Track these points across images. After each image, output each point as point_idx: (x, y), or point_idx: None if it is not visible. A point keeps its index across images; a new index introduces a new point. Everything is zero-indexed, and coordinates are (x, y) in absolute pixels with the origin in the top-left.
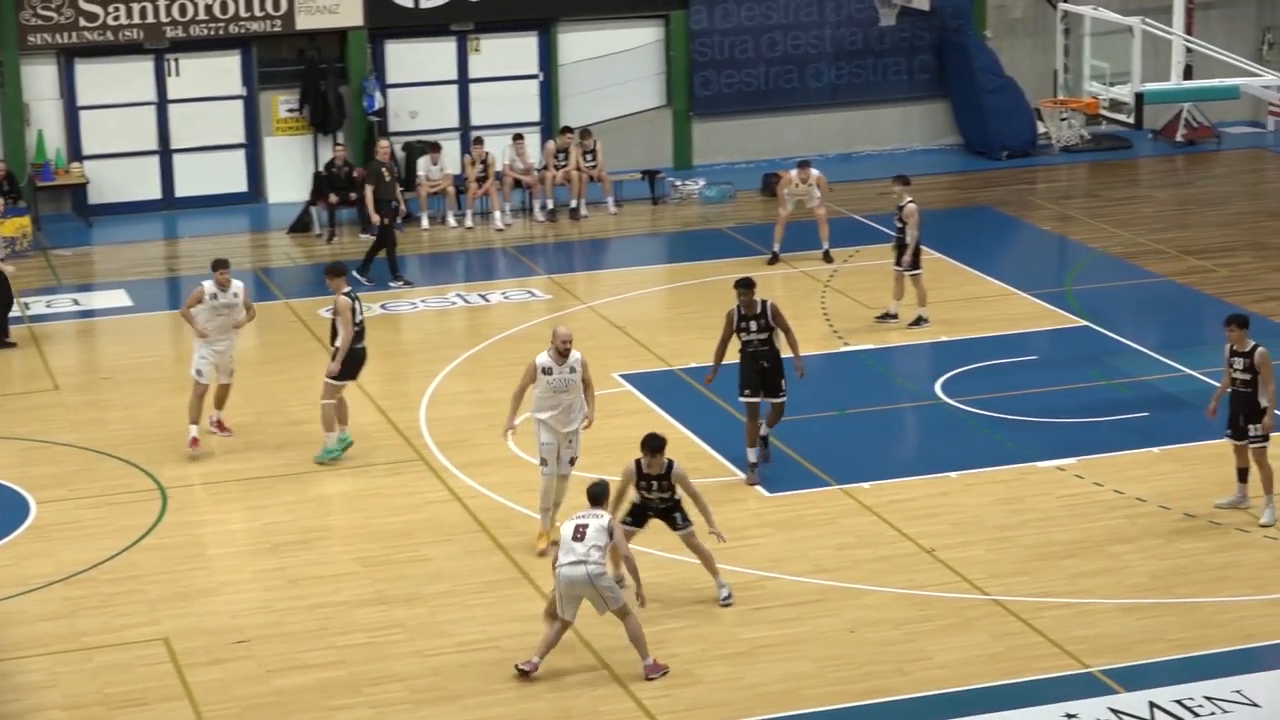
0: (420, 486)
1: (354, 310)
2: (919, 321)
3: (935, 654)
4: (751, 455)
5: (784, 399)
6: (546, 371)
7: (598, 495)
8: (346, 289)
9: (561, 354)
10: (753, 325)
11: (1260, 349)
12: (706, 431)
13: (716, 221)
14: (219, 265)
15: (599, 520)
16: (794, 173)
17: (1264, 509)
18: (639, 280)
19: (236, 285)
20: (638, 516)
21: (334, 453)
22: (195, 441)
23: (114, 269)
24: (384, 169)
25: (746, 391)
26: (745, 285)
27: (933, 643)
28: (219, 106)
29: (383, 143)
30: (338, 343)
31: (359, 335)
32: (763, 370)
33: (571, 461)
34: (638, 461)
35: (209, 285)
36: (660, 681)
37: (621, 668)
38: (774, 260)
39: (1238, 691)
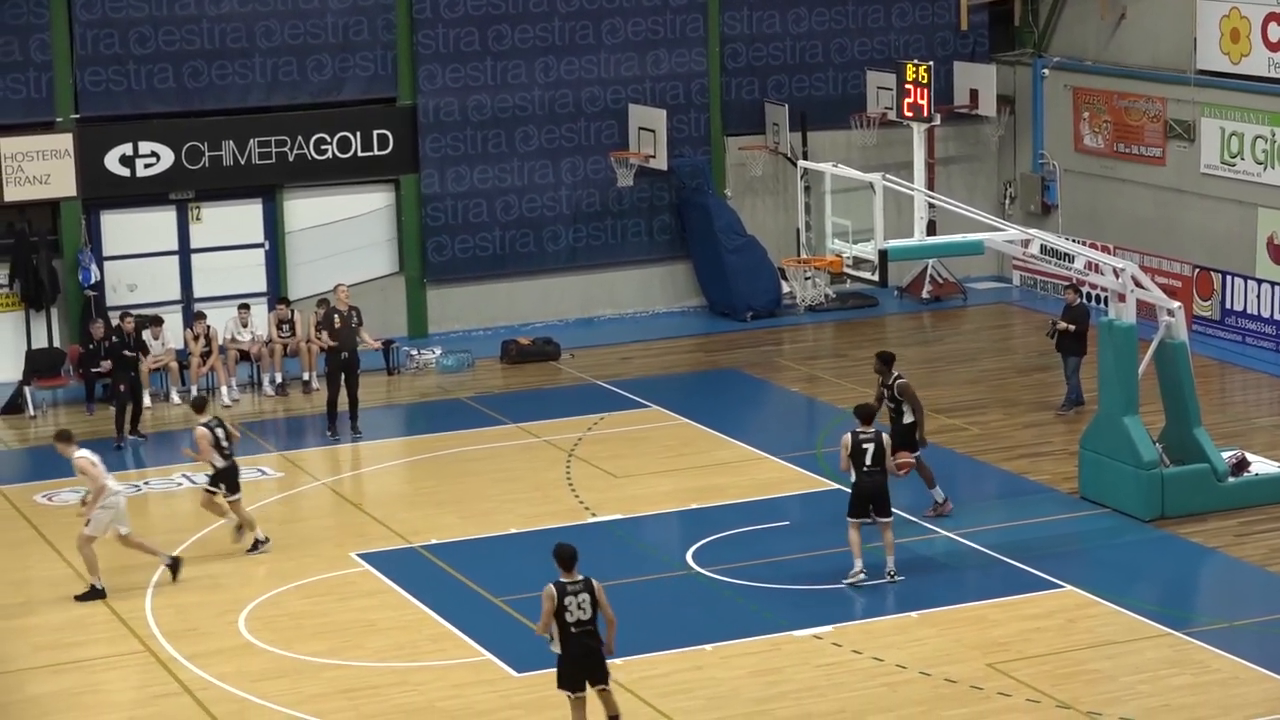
0: (147, 679)
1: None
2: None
3: None
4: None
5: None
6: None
7: None
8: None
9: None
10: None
11: None
12: (450, 611)
13: (455, 391)
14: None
15: None
16: None
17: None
18: (375, 455)
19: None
20: None
21: None
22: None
23: None
24: (337, 315)
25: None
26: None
27: None
28: None
29: (341, 287)
30: None
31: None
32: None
33: None
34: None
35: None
36: None
37: None
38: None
39: None
